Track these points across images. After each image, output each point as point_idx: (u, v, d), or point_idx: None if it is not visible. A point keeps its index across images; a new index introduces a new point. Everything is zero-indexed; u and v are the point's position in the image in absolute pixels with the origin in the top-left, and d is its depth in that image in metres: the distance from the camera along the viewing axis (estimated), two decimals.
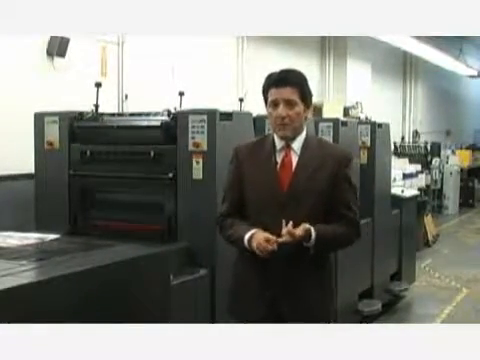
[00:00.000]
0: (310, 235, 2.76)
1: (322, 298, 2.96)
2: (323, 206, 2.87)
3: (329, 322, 2.98)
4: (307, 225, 2.76)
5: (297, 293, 2.87)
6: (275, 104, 2.85)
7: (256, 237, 2.77)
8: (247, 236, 2.80)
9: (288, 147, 2.92)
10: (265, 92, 2.91)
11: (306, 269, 2.89)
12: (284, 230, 2.72)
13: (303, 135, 2.94)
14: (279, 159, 2.92)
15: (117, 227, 4.11)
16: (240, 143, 3.10)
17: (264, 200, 2.88)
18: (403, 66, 15.66)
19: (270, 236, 2.74)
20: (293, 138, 2.91)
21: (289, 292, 2.87)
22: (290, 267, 2.86)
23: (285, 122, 2.84)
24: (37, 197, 4.46)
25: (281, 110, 2.83)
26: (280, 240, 2.72)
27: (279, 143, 2.93)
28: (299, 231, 2.72)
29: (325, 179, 2.87)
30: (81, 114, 4.34)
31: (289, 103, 2.83)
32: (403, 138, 15.01)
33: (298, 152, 2.91)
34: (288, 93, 2.83)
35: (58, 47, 5.84)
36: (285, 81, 2.84)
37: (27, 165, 4.52)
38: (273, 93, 2.85)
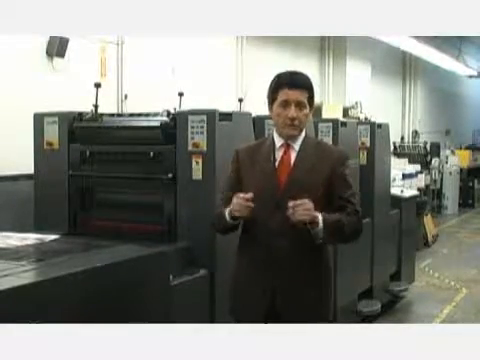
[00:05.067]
0: (317, 221, 2.78)
1: (320, 295, 2.99)
2: (320, 203, 2.89)
3: (327, 320, 3.00)
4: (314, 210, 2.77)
5: (295, 289, 2.90)
6: (286, 104, 2.89)
7: (233, 201, 2.83)
8: (228, 209, 2.87)
9: (287, 145, 2.97)
10: (274, 92, 2.94)
11: (306, 265, 2.91)
12: (290, 203, 2.74)
13: (302, 134, 3.01)
14: (278, 157, 2.97)
15: (117, 227, 4.11)
16: (241, 145, 3.16)
17: (262, 195, 2.89)
18: (402, 66, 15.67)
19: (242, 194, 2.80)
20: (294, 138, 2.97)
21: (287, 287, 2.89)
22: (290, 263, 2.88)
23: (295, 123, 2.91)
24: (36, 197, 4.45)
25: (293, 111, 2.89)
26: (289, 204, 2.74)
27: (279, 141, 2.99)
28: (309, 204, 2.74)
29: (321, 177, 2.92)
30: (80, 114, 4.34)
31: (299, 105, 2.90)
32: (403, 138, 15.02)
33: (297, 149, 2.97)
34: (300, 95, 2.90)
35: (57, 47, 5.83)
36: (297, 84, 2.92)
37: (26, 165, 4.52)
38: (285, 93, 2.90)
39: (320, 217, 2.79)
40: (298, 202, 2.73)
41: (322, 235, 2.83)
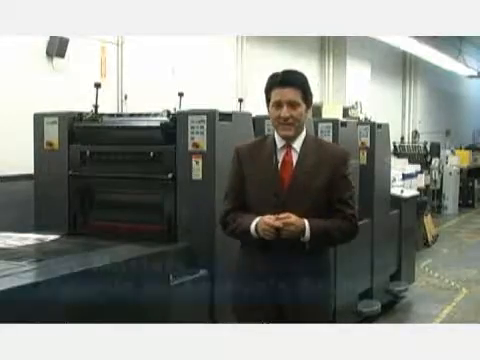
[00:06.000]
0: (304, 230, 2.81)
1: (322, 293, 2.99)
2: (323, 203, 2.92)
3: (329, 316, 3.03)
4: (301, 219, 2.81)
5: (298, 287, 2.90)
6: (278, 105, 2.89)
7: (260, 224, 2.82)
8: (253, 226, 2.85)
9: (289, 146, 2.97)
10: (268, 92, 2.95)
11: (305, 260, 2.91)
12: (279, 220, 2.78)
13: (303, 134, 3.00)
14: (280, 158, 2.97)
15: (117, 228, 4.11)
16: (241, 143, 3.13)
17: (265, 198, 2.92)
18: (402, 66, 15.67)
19: (268, 218, 2.79)
20: (294, 137, 2.95)
21: (290, 286, 2.90)
22: (293, 262, 2.89)
23: (289, 122, 2.90)
24: (36, 198, 4.45)
25: (285, 111, 2.88)
26: (276, 224, 2.77)
27: (280, 142, 2.98)
28: (290, 219, 2.78)
29: (323, 177, 2.93)
30: (80, 115, 4.34)
31: (292, 104, 2.88)
32: (403, 138, 15.02)
33: (298, 150, 2.96)
34: (291, 94, 2.88)
35: (57, 47, 5.84)
36: (289, 82, 2.90)
37: (27, 165, 4.52)
38: (276, 94, 2.89)
39: (307, 228, 2.82)
40: (284, 222, 2.78)
41: (309, 246, 2.87)
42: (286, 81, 2.90)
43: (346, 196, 2.96)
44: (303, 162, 2.94)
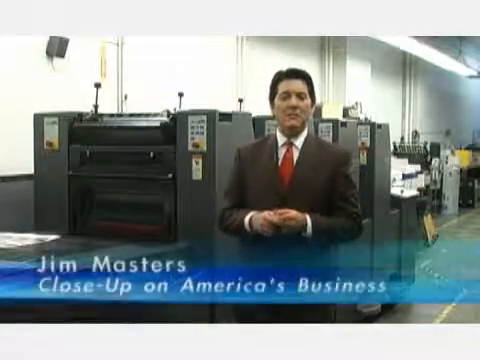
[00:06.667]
0: (306, 225, 2.80)
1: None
2: (324, 202, 2.91)
3: (330, 316, 3.02)
4: (302, 214, 2.79)
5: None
6: (286, 95, 2.90)
7: (256, 219, 2.81)
8: (246, 220, 2.85)
9: (290, 144, 2.96)
10: (274, 86, 2.96)
11: (306, 259, 2.91)
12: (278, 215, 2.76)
13: (305, 133, 3.00)
14: (281, 155, 2.96)
15: (117, 228, 4.11)
16: (243, 143, 3.14)
17: (265, 196, 2.91)
18: (402, 66, 15.67)
19: (267, 214, 2.77)
20: (296, 134, 2.95)
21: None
22: (294, 260, 2.88)
23: (296, 113, 2.90)
24: (36, 198, 4.45)
25: (293, 100, 2.89)
26: (274, 219, 2.75)
27: (281, 139, 2.98)
28: (290, 214, 2.76)
29: (324, 176, 2.92)
30: (80, 115, 4.34)
31: (300, 95, 2.91)
32: (402, 138, 15.01)
33: (299, 148, 2.96)
34: (299, 85, 2.92)
35: (57, 47, 5.84)
36: (297, 74, 2.94)
37: (26, 166, 4.52)
38: (284, 85, 2.92)
39: (309, 223, 2.81)
40: (283, 217, 2.76)
41: (311, 242, 2.86)
42: (294, 73, 2.94)
43: (348, 194, 2.95)
44: (304, 160, 2.94)
